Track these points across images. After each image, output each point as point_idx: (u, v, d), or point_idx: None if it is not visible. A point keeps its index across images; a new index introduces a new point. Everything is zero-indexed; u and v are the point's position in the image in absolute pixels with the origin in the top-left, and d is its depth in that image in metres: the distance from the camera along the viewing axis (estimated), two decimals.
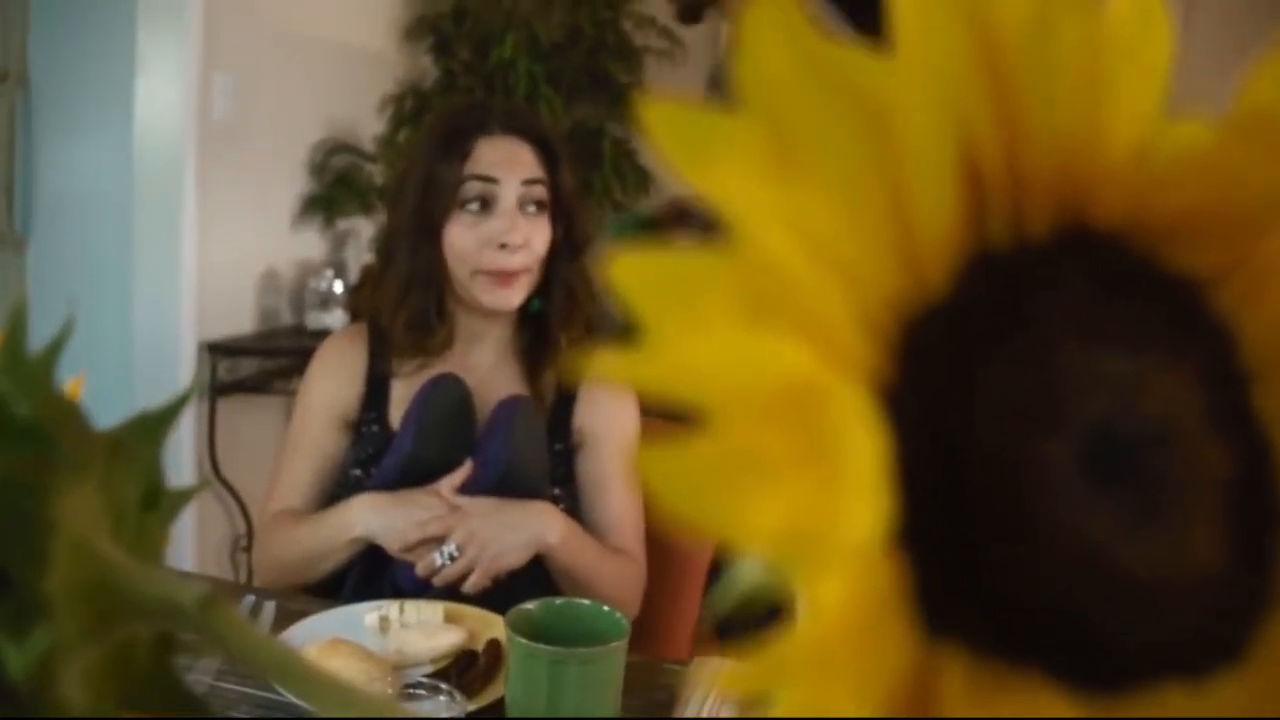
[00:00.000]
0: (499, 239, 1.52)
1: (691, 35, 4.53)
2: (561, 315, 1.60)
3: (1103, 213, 0.25)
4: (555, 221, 1.57)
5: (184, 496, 0.37)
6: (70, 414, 0.33)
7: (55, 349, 0.34)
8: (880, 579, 0.19)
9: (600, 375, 0.17)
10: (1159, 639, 0.23)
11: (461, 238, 1.53)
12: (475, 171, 1.53)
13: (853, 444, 0.18)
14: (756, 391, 0.18)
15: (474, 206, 1.53)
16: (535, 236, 1.54)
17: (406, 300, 1.58)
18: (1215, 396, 0.25)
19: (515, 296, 1.56)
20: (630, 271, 0.18)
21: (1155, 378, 0.24)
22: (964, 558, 0.22)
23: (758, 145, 0.20)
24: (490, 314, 1.58)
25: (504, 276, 1.53)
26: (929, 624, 0.21)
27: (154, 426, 0.35)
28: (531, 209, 1.54)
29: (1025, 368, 0.23)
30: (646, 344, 0.18)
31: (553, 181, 1.56)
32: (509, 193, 1.53)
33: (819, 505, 0.18)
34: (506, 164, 1.53)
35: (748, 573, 0.22)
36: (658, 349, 0.18)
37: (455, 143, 1.54)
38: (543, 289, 1.60)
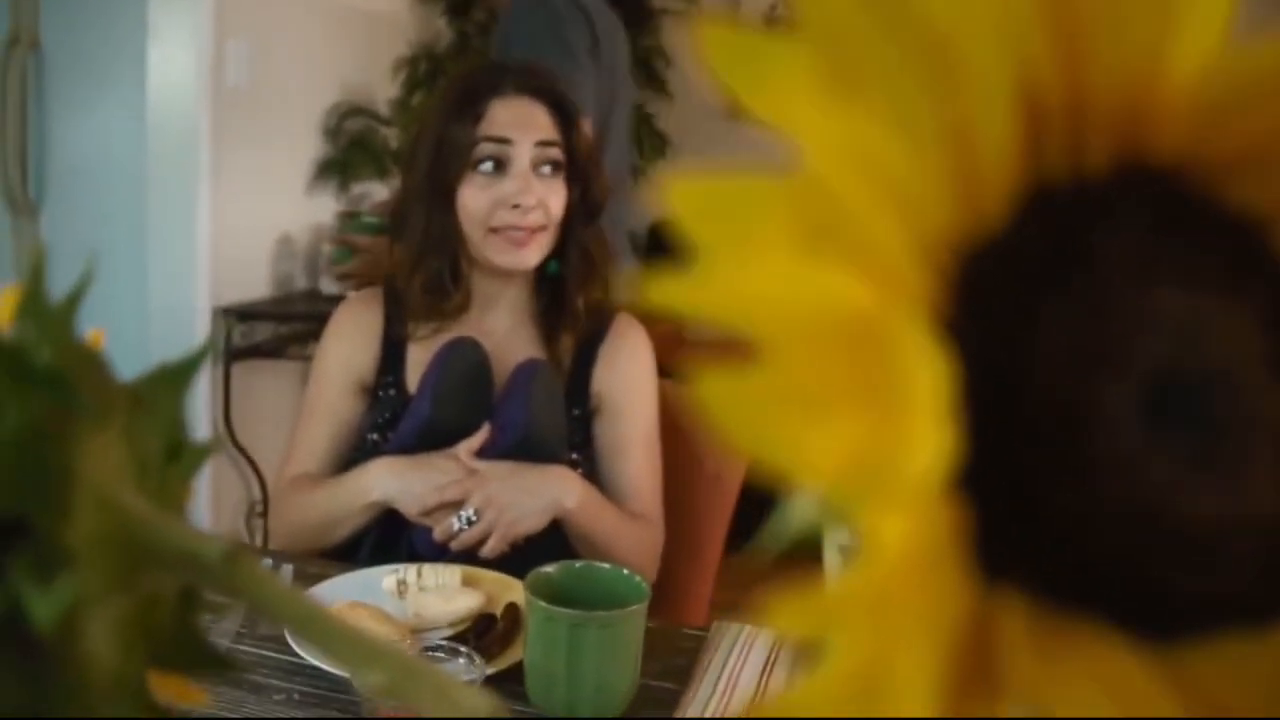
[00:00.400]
0: (512, 199, 1.51)
1: None
2: (578, 278, 1.59)
3: (1163, 146, 0.24)
4: (571, 183, 1.56)
5: (206, 450, 0.36)
6: (92, 363, 0.32)
7: (75, 297, 0.33)
8: (940, 519, 0.18)
9: (653, 299, 0.16)
10: (1219, 585, 0.22)
11: (475, 199, 1.52)
12: (488, 133, 1.52)
13: (916, 376, 0.17)
14: (813, 323, 0.17)
15: (487, 167, 1.52)
16: (550, 197, 1.53)
17: (422, 263, 1.58)
18: (1276, 339, 0.24)
19: (530, 257, 1.55)
20: (685, 195, 0.17)
21: (1215, 319, 0.23)
22: (1021, 501, 0.21)
23: (816, 72, 0.19)
24: (506, 276, 1.58)
25: (518, 236, 1.52)
26: (985, 568, 0.21)
27: (175, 378, 0.35)
28: (546, 170, 1.53)
29: (1084, 306, 0.22)
30: (700, 269, 0.17)
31: (568, 143, 1.54)
32: (522, 154, 1.51)
33: (881, 439, 0.17)
34: (520, 125, 1.52)
35: (800, 510, 0.21)
36: (712, 275, 0.17)
37: (469, 104, 1.53)
38: (559, 251, 1.58)
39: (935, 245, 0.21)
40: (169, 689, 0.36)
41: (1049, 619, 0.21)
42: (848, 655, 0.17)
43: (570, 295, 1.59)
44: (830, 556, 0.38)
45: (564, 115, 1.55)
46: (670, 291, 0.17)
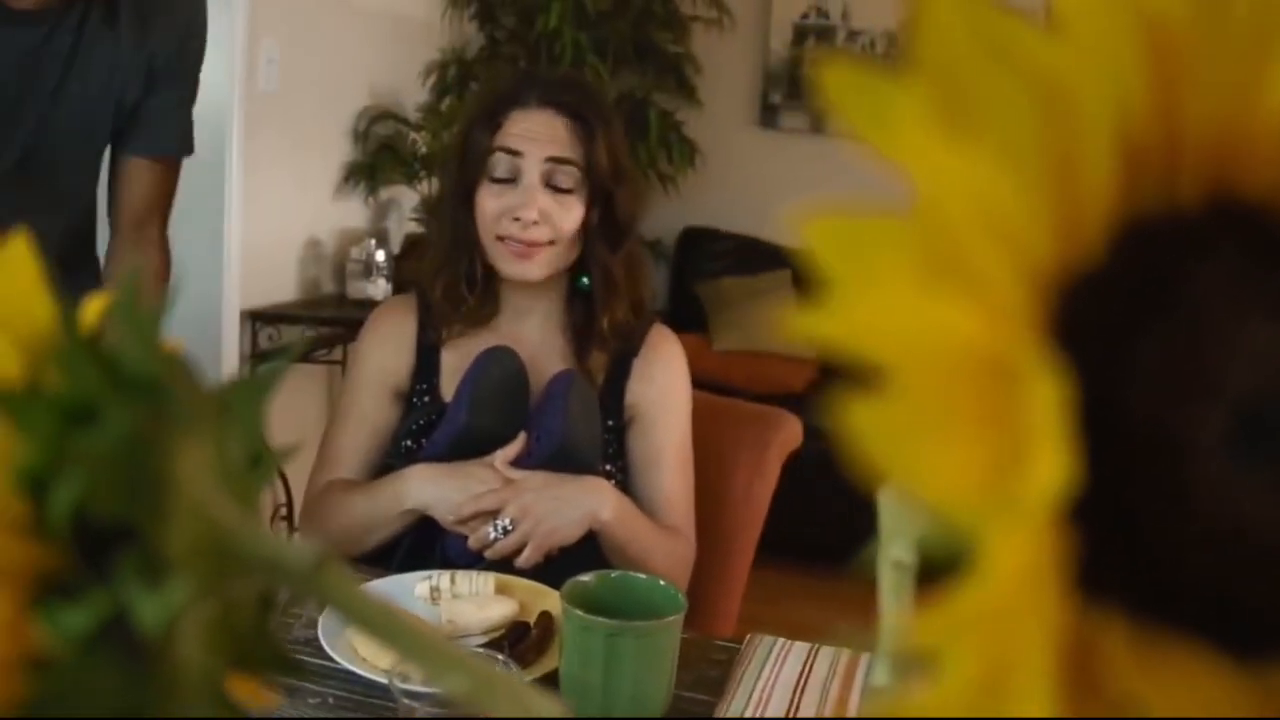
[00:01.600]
0: (515, 211, 1.51)
1: (741, 4, 4.51)
2: (604, 296, 1.59)
3: (1255, 182, 0.24)
4: (592, 202, 1.55)
5: (282, 456, 0.37)
6: (182, 371, 0.33)
7: (165, 306, 0.34)
8: (1052, 539, 0.19)
9: (788, 331, 0.17)
10: None
11: (486, 205, 1.54)
12: (501, 144, 1.53)
13: (1037, 403, 0.18)
14: (937, 353, 0.18)
15: (500, 175, 1.53)
16: (558, 213, 1.53)
17: (445, 265, 1.60)
18: None
19: (533, 270, 1.55)
20: (819, 232, 0.18)
21: None
22: (1116, 524, 0.22)
23: (932, 109, 0.20)
24: (536, 287, 1.58)
25: (519, 249, 1.53)
26: (1085, 587, 0.21)
27: (260, 387, 0.36)
28: (560, 184, 1.53)
29: (1176, 337, 0.23)
30: (832, 302, 0.18)
31: (586, 161, 1.53)
32: (532, 167, 1.52)
33: (1005, 462, 0.17)
34: (533, 138, 1.52)
35: (908, 529, 0.22)
36: (842, 307, 0.18)
37: (492, 111, 1.55)
38: (586, 267, 1.59)
39: (1039, 278, 0.22)
40: (243, 691, 0.36)
41: (1145, 637, 0.21)
42: (967, 665, 0.17)
43: (596, 313, 1.59)
44: (885, 573, 0.39)
45: (586, 132, 1.53)
46: (807, 323, 0.17)
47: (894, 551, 0.38)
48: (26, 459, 0.28)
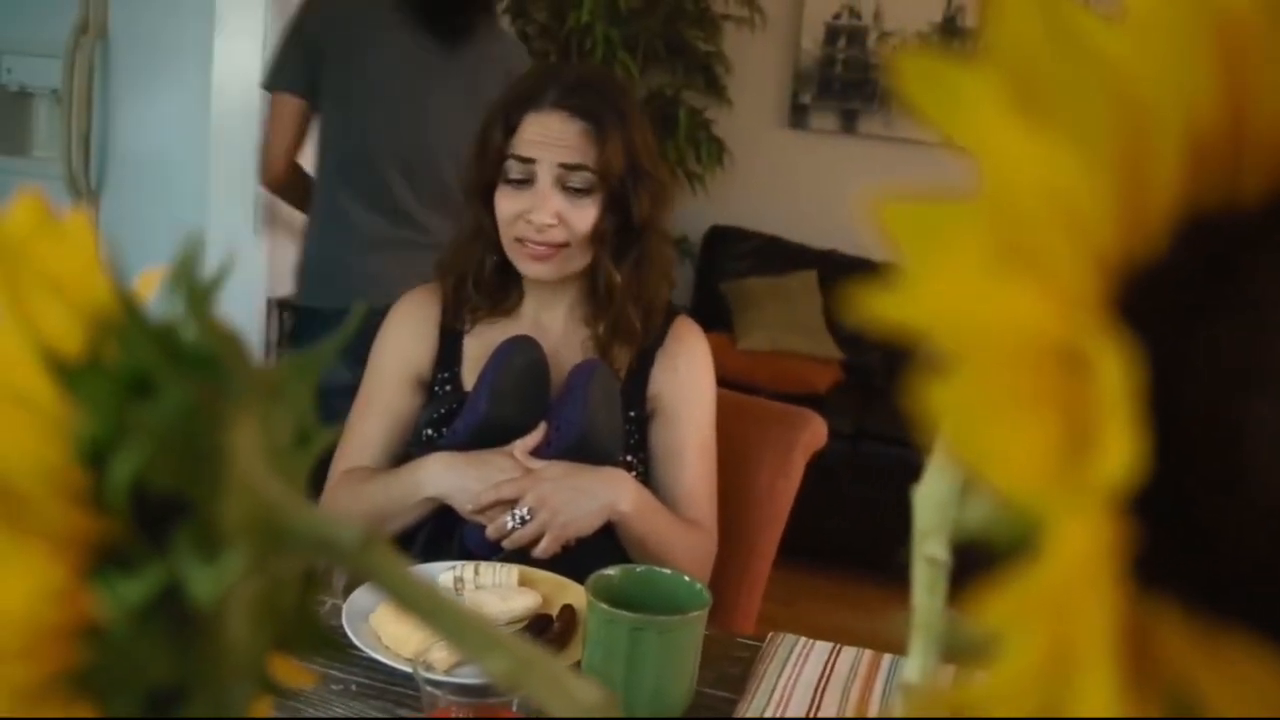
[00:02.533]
0: (529, 215, 1.52)
1: (773, 4, 4.50)
2: (628, 293, 1.59)
3: None
4: (608, 204, 1.55)
5: (327, 436, 0.37)
6: (236, 346, 0.33)
7: (219, 279, 0.34)
8: (1116, 525, 0.19)
9: (866, 311, 0.17)
10: None
11: (502, 206, 1.54)
12: (515, 150, 1.53)
13: (1109, 389, 0.18)
14: (1006, 336, 0.18)
15: (515, 177, 1.53)
16: (573, 215, 1.53)
17: (459, 260, 1.62)
18: None
19: (548, 270, 1.56)
20: (895, 215, 0.18)
21: None
22: (1173, 514, 0.22)
23: (1006, 98, 0.20)
24: (551, 280, 1.59)
25: (535, 250, 1.54)
26: (1142, 576, 0.21)
27: (309, 366, 0.36)
28: (574, 186, 1.53)
29: (1238, 328, 0.23)
30: (905, 284, 0.18)
31: (600, 164, 1.53)
32: (545, 173, 1.52)
33: (1073, 448, 0.18)
34: (546, 144, 1.52)
35: (972, 513, 0.22)
36: (913, 290, 0.18)
37: (509, 111, 1.55)
38: (601, 263, 1.59)
39: (1104, 266, 0.22)
40: (283, 670, 0.37)
41: (1201, 628, 0.21)
42: (1031, 649, 0.18)
43: (621, 308, 1.60)
44: (918, 569, 0.39)
45: (600, 134, 1.53)
46: (880, 305, 0.17)
47: (928, 548, 0.38)
48: (87, 430, 0.29)
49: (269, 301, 3.42)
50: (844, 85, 4.66)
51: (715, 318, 4.29)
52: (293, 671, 0.38)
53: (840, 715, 1.13)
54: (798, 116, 4.73)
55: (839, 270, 4.45)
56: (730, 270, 4.57)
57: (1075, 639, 0.18)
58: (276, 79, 2.59)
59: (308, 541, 0.32)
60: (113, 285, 0.32)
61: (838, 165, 4.66)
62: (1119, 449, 0.18)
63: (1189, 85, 0.23)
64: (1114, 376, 0.18)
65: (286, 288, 3.49)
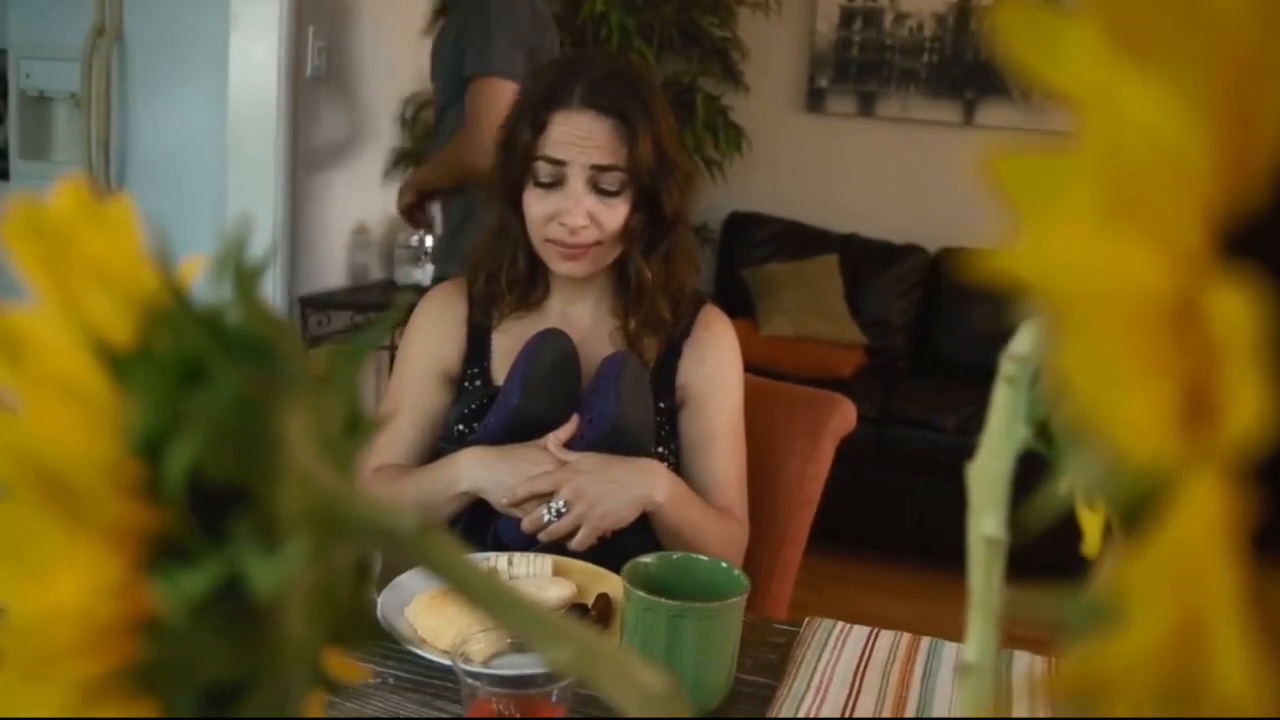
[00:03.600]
0: (561, 217, 1.51)
1: None
2: (660, 288, 1.59)
3: None
4: (638, 200, 1.54)
5: (375, 425, 0.36)
6: (286, 333, 0.32)
7: (264, 264, 0.33)
8: (1243, 490, 0.18)
9: (976, 267, 0.16)
10: None
11: (533, 207, 1.53)
12: (545, 152, 1.51)
13: (1235, 341, 0.17)
14: (1121, 293, 0.17)
15: (545, 180, 1.52)
16: (605, 215, 1.52)
17: (487, 258, 1.61)
18: None
19: (581, 268, 1.55)
20: (1009, 169, 0.17)
21: None
22: None
23: (1107, 46, 0.19)
24: (582, 276, 1.59)
25: (569, 251, 1.53)
26: (1259, 550, 0.20)
27: (355, 354, 0.35)
28: (606, 187, 1.52)
29: None
30: (1017, 238, 0.17)
31: (631, 163, 1.51)
32: (576, 174, 1.51)
33: (1196, 407, 0.17)
34: (577, 146, 1.51)
35: (1080, 476, 0.21)
36: (1028, 247, 0.17)
37: (535, 110, 1.53)
38: (633, 258, 1.58)
39: (1210, 219, 0.21)
40: (336, 665, 0.36)
41: None
42: (1160, 616, 0.17)
43: (653, 301, 1.59)
44: (975, 549, 0.38)
45: (630, 132, 1.51)
46: (998, 262, 0.17)
47: (985, 527, 0.37)
48: (139, 420, 0.28)
49: (292, 300, 3.42)
50: (861, 68, 4.63)
51: (737, 304, 4.28)
52: (345, 666, 0.37)
53: (881, 698, 1.12)
54: (815, 101, 4.71)
55: (860, 254, 4.43)
56: (751, 256, 4.56)
57: (1204, 606, 0.17)
58: (507, 66, 2.61)
59: (365, 530, 0.32)
60: (160, 273, 0.31)
61: (856, 148, 4.65)
62: (1247, 405, 0.17)
63: None
64: (1239, 326, 0.17)
65: (310, 285, 3.49)
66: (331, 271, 3.68)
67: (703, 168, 4.40)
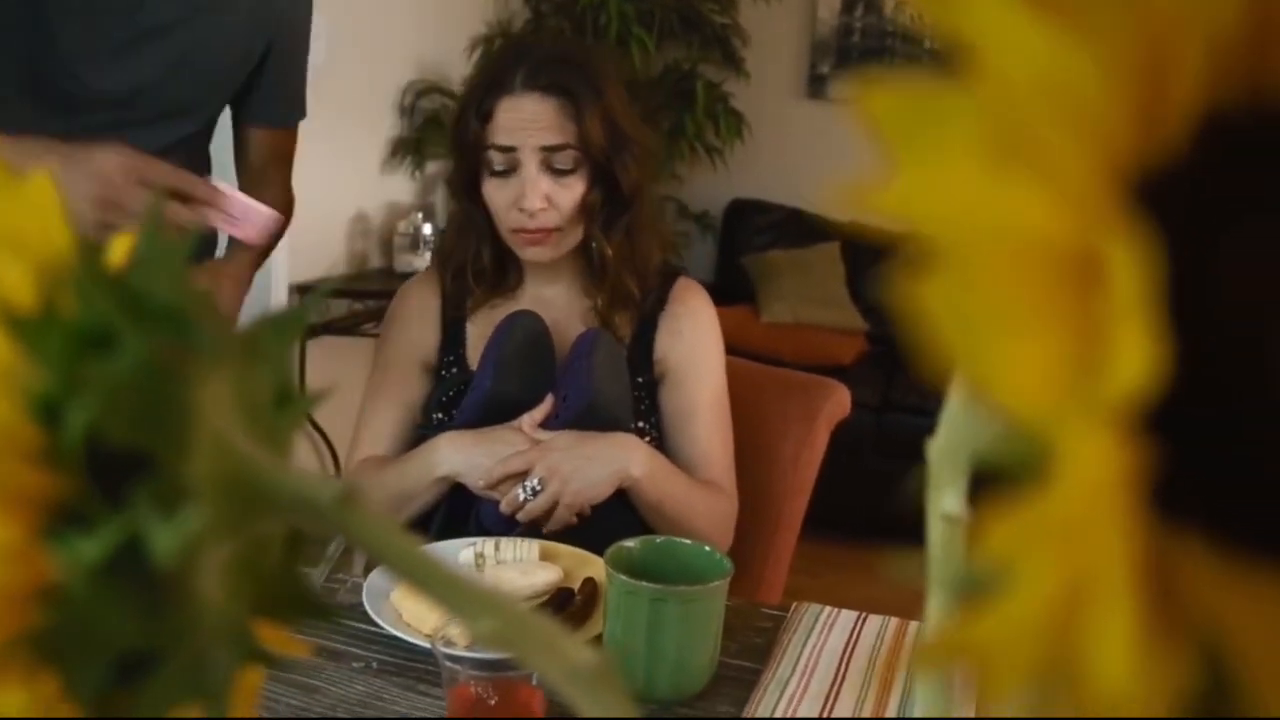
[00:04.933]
0: (520, 202, 1.51)
1: None
2: (624, 263, 1.59)
3: None
4: (593, 177, 1.54)
5: (312, 401, 0.36)
6: (206, 305, 0.32)
7: (190, 239, 0.33)
8: (1135, 446, 0.17)
9: (849, 202, 0.15)
10: None
11: (493, 198, 1.54)
12: (493, 140, 1.51)
13: (1123, 290, 0.16)
14: (1008, 235, 0.17)
15: (499, 168, 1.52)
16: (560, 195, 1.52)
17: (453, 252, 1.62)
18: None
19: (546, 253, 1.55)
20: (883, 104, 0.16)
21: None
22: (1199, 437, 0.20)
23: None
24: (550, 260, 1.59)
25: (531, 235, 1.53)
26: (1163, 506, 0.20)
27: (286, 326, 0.34)
28: (559, 166, 1.51)
29: (1262, 240, 0.21)
30: (895, 178, 0.16)
31: (581, 140, 1.51)
32: (529, 158, 1.50)
33: (1084, 358, 0.16)
34: (524, 129, 1.50)
35: (977, 435, 0.20)
36: (906, 184, 0.16)
37: (480, 100, 1.53)
38: (593, 235, 1.58)
39: (1118, 166, 0.20)
40: (274, 639, 0.35)
41: (1230, 561, 0.20)
42: (1041, 582, 0.16)
43: (617, 277, 1.59)
44: (934, 527, 0.37)
45: (576, 109, 1.51)
46: (870, 195, 0.16)
47: (944, 504, 0.36)
48: (39, 384, 0.27)
49: (290, 287, 3.42)
50: (862, 54, 4.61)
51: (738, 291, 4.27)
52: (282, 640, 0.36)
53: (866, 683, 1.12)
54: (816, 87, 4.69)
55: (861, 241, 4.42)
56: (752, 243, 4.55)
57: (1092, 568, 0.17)
58: None
59: (283, 500, 0.31)
60: (73, 239, 0.31)
61: (858, 135, 4.62)
62: (1134, 353, 0.16)
63: None
64: (1128, 274, 0.17)
65: (308, 272, 3.48)
66: (331, 259, 3.68)
67: (704, 155, 4.39)
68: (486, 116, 1.52)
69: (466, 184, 1.57)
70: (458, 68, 4.16)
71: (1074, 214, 0.17)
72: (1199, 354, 0.20)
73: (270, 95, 1.92)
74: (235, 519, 0.30)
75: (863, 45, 4.61)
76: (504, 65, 1.54)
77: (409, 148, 3.92)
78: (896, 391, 3.96)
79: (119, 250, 0.33)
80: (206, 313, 0.32)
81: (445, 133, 3.91)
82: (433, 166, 4.06)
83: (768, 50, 4.64)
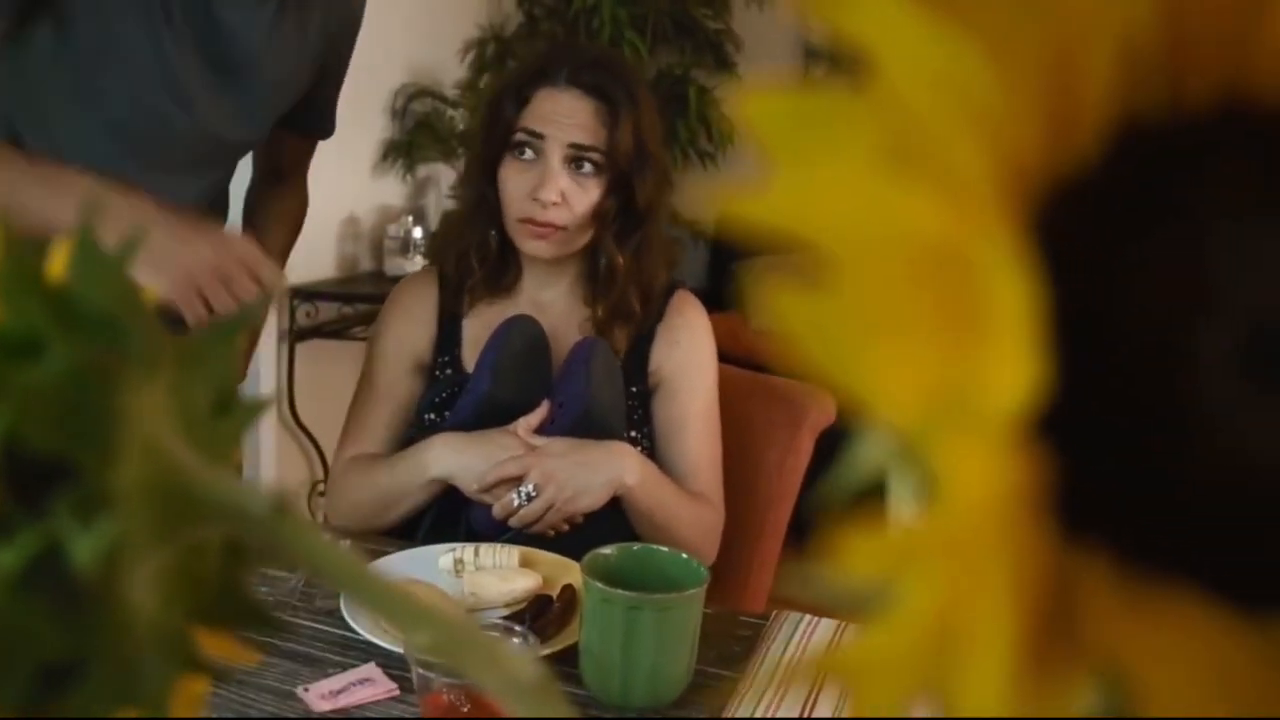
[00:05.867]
0: (535, 192, 1.51)
1: None
2: (630, 279, 1.58)
3: (1267, 84, 0.22)
4: (612, 186, 1.54)
5: (256, 409, 0.35)
6: (142, 313, 0.32)
7: (129, 247, 0.32)
8: (1023, 461, 0.17)
9: (728, 211, 0.15)
10: None
11: (509, 181, 1.53)
12: (525, 124, 1.52)
13: (1003, 303, 0.16)
14: (892, 242, 0.16)
15: (523, 153, 1.52)
16: (576, 195, 1.52)
17: (461, 235, 1.61)
18: None
19: (548, 248, 1.55)
20: (763, 105, 0.16)
21: None
22: (1105, 451, 0.20)
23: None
24: (552, 258, 1.58)
25: (538, 228, 1.53)
26: (1065, 522, 0.19)
27: (224, 333, 0.34)
28: (583, 168, 1.51)
29: (1179, 249, 0.21)
30: (775, 180, 0.16)
31: (609, 146, 1.51)
32: (554, 149, 1.51)
33: (965, 368, 0.16)
34: (557, 121, 1.51)
35: (872, 450, 0.20)
36: (787, 186, 0.16)
37: (522, 86, 1.54)
38: (604, 245, 1.58)
39: (1021, 176, 0.20)
40: (219, 648, 0.35)
41: (1133, 579, 0.19)
42: (921, 601, 0.16)
43: (622, 290, 1.58)
44: (897, 508, 0.37)
45: (612, 115, 1.51)
46: (745, 202, 0.15)
47: (907, 485, 0.36)
48: None
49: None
50: (855, 60, 4.61)
51: (728, 297, 4.26)
52: (231, 649, 0.36)
53: (844, 693, 1.11)
54: None
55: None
56: (743, 249, 4.54)
57: (972, 594, 0.16)
58: None
59: (215, 509, 0.31)
60: (7, 247, 0.31)
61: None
62: (1011, 369, 0.16)
63: None
64: (1010, 289, 0.16)
65: (297, 275, 3.48)
66: (321, 262, 3.67)
67: (696, 160, 4.38)
68: (524, 102, 1.53)
69: (486, 166, 1.56)
70: (450, 71, 4.15)
71: (963, 223, 0.16)
72: (1106, 365, 0.20)
73: (316, 108, 1.92)
74: (165, 527, 0.30)
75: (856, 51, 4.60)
76: (551, 58, 1.55)
77: (400, 151, 3.92)
78: None
79: (57, 257, 0.33)
80: (142, 321, 0.32)
81: (436, 136, 3.93)
82: (424, 170, 4.06)
83: (761, 56, 4.64)
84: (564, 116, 1.51)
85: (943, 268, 0.16)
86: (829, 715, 1.07)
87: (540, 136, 1.51)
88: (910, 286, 0.16)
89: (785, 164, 0.16)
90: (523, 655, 0.33)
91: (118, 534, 0.26)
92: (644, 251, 1.59)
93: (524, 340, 1.50)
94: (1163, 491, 0.20)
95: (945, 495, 0.16)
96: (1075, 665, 0.18)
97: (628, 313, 1.59)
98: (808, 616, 1.27)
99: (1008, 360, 0.15)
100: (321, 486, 3.55)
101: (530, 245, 1.55)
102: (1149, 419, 0.20)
